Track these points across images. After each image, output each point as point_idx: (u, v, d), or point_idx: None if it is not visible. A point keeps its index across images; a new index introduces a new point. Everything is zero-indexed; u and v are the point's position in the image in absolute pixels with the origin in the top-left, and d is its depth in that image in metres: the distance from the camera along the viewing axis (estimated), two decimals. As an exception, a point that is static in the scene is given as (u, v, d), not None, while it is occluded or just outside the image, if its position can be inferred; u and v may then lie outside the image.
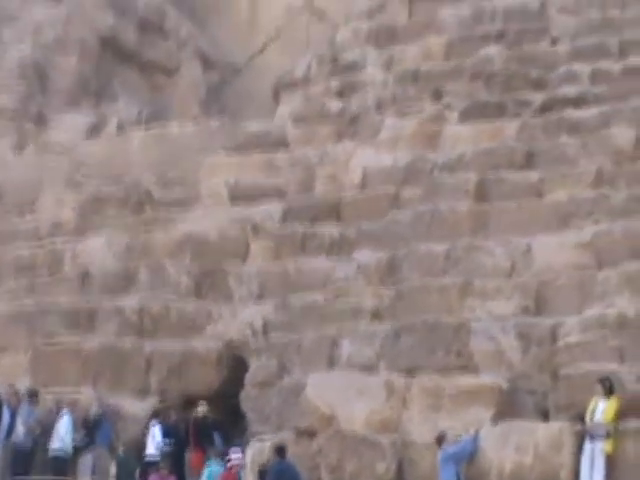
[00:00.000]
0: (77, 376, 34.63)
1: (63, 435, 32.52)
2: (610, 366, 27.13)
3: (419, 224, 32.82)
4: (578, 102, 34.69)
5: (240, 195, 36.89)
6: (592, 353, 27.72)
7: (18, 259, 38.97)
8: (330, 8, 46.09)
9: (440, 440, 27.47)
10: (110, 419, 33.35)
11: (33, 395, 33.27)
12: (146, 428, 32.58)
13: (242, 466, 29.72)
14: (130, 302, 35.62)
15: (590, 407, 26.15)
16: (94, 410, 33.43)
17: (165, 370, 33.75)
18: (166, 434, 32.08)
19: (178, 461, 32.05)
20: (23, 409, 33.44)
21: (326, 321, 31.74)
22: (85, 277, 37.03)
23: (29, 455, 32.79)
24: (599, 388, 26.27)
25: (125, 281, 36.42)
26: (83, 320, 35.98)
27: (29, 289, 37.80)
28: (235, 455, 29.38)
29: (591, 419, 26.13)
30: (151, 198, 38.48)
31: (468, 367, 28.94)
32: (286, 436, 29.68)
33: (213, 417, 32.35)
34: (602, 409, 26.15)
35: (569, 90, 35.01)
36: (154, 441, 31.94)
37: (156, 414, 32.76)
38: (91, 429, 32.96)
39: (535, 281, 30.19)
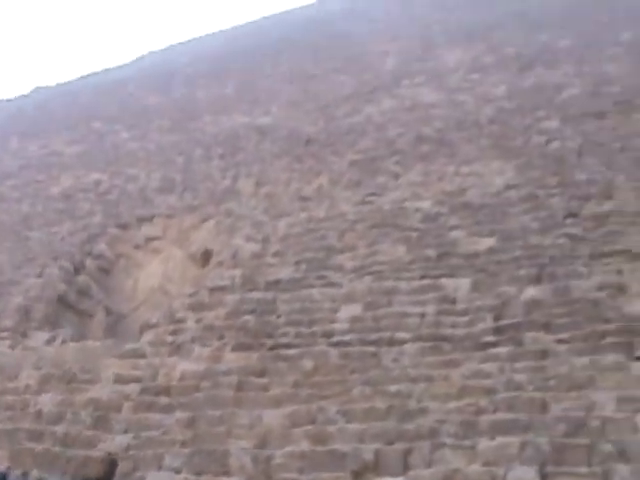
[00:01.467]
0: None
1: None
2: (293, 475, 27.35)
3: (208, 401, 32.46)
4: (289, 346, 34.66)
5: (120, 379, 36.03)
6: (285, 469, 28.07)
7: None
8: (171, 289, 46.19)
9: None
10: None
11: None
12: None
13: None
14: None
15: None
16: None
17: (76, 466, 32.50)
18: None
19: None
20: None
21: (158, 446, 31.03)
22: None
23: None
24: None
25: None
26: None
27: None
28: None
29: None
30: (74, 377, 37.68)
31: (227, 472, 28.66)
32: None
33: None
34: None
35: (284, 340, 35.12)
36: None
37: None
38: None
39: (263, 432, 29.93)
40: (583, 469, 24.53)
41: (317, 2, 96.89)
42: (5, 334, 42.53)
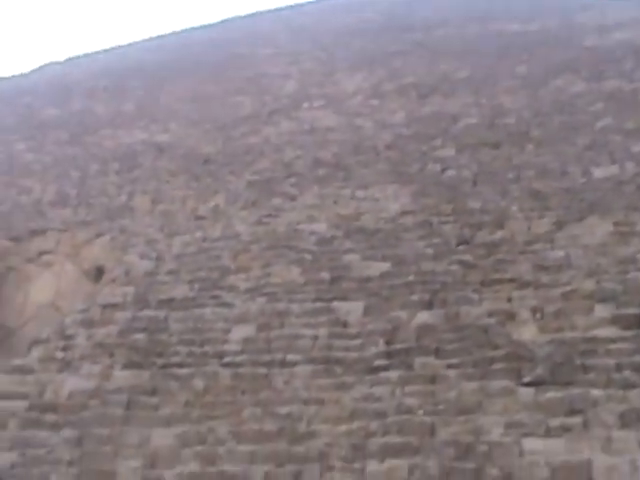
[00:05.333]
0: None
1: None
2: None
3: (97, 419, 31.71)
4: (180, 365, 34.09)
5: (6, 396, 34.23)
6: None
7: None
8: (63, 305, 45.18)
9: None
10: None
11: None
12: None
13: None
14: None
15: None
16: None
17: None
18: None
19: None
20: None
21: (44, 464, 29.84)
22: None
23: None
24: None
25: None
26: None
27: None
28: None
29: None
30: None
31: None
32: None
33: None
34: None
35: (175, 359, 34.66)
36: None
37: None
38: None
39: (152, 452, 29.23)
40: (470, 493, 24.81)
41: (219, 22, 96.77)
42: None
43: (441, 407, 28.34)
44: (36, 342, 39.62)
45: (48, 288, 46.84)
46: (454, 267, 36.61)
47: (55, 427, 32.42)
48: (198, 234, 45.08)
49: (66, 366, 36.43)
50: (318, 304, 36.36)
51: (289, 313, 36.15)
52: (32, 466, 30.29)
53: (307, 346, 33.77)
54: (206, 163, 54.18)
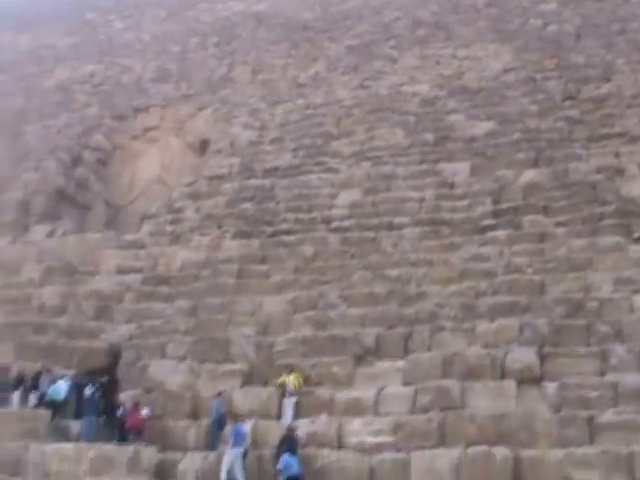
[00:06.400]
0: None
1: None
2: (296, 360, 27.51)
3: (209, 289, 32.37)
4: (288, 232, 34.49)
5: (121, 270, 35.91)
6: (287, 355, 28.05)
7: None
8: (169, 179, 45.70)
9: (219, 394, 27.12)
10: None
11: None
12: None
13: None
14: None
15: (283, 379, 26.50)
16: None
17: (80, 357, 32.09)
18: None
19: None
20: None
21: (160, 335, 30.79)
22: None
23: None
24: (287, 371, 26.80)
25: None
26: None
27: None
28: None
29: (286, 386, 26.58)
30: (75, 269, 37.37)
31: (229, 360, 28.88)
32: (139, 392, 29.01)
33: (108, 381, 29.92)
34: (290, 380, 26.63)
35: (284, 226, 34.86)
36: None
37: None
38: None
39: (264, 319, 30.02)
40: (581, 349, 24.55)
41: None
42: (5, 229, 41.54)
43: (550, 265, 28.04)
44: (146, 217, 40.32)
45: (154, 163, 47.23)
46: (560, 123, 35.75)
47: (169, 298, 33.15)
48: (300, 101, 44.82)
49: (176, 239, 37.11)
50: (423, 166, 36.02)
51: (395, 176, 35.90)
52: (149, 337, 31.08)
53: (414, 208, 33.60)
54: (305, 30, 53.58)
